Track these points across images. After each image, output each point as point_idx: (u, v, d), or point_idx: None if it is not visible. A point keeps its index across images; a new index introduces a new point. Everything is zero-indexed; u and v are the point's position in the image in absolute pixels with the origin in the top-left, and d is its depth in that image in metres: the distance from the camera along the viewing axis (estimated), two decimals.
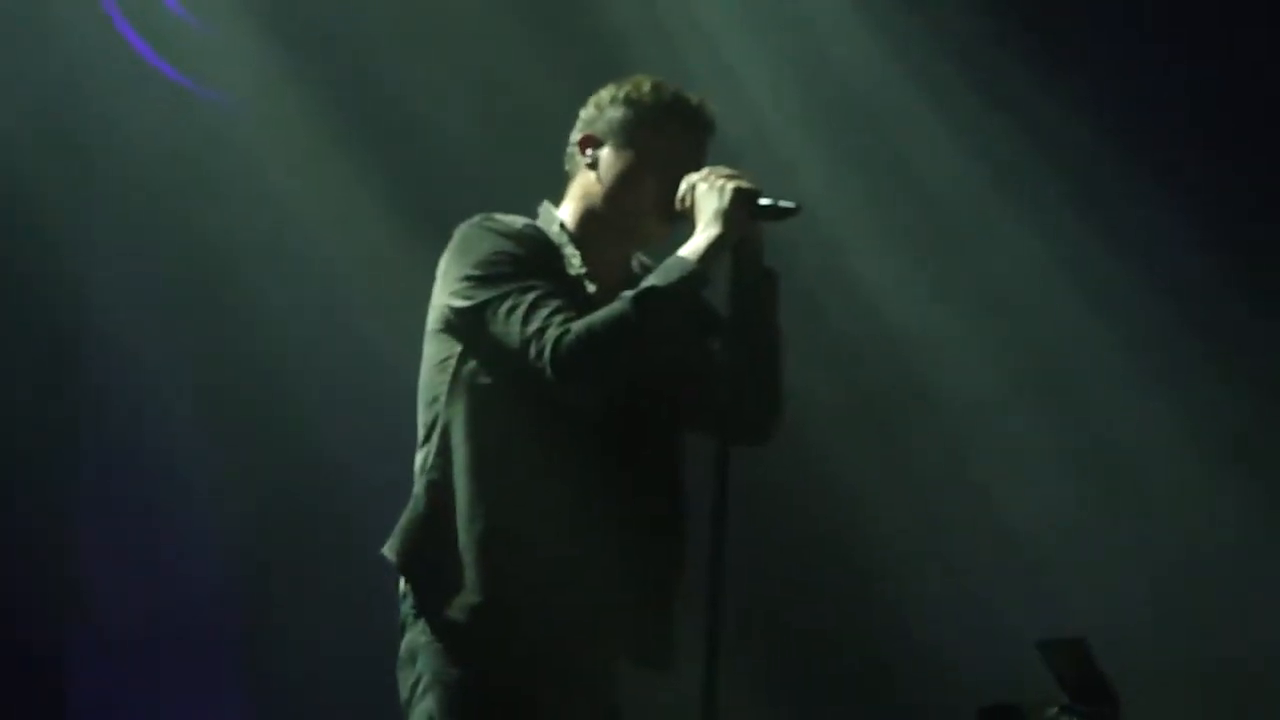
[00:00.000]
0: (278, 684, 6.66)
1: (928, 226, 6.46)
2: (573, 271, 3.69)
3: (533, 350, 3.51)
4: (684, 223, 3.69)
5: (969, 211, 6.42)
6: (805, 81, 6.47)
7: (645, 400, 3.68)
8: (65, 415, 6.65)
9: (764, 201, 3.60)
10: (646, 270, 3.78)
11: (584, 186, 3.77)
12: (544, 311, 3.53)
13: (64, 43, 6.42)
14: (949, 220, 6.45)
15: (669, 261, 3.59)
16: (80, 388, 6.69)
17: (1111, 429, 6.29)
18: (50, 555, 6.56)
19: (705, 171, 3.66)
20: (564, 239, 3.73)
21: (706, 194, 3.61)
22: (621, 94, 3.75)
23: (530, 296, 3.55)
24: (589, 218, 3.76)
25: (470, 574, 3.57)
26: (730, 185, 3.60)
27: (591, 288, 3.68)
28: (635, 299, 3.52)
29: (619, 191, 3.72)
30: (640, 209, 3.72)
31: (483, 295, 3.59)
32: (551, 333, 3.50)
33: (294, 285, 6.61)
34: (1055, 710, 4.32)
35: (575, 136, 3.79)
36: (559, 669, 3.63)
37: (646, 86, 3.75)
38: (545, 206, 3.81)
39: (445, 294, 3.66)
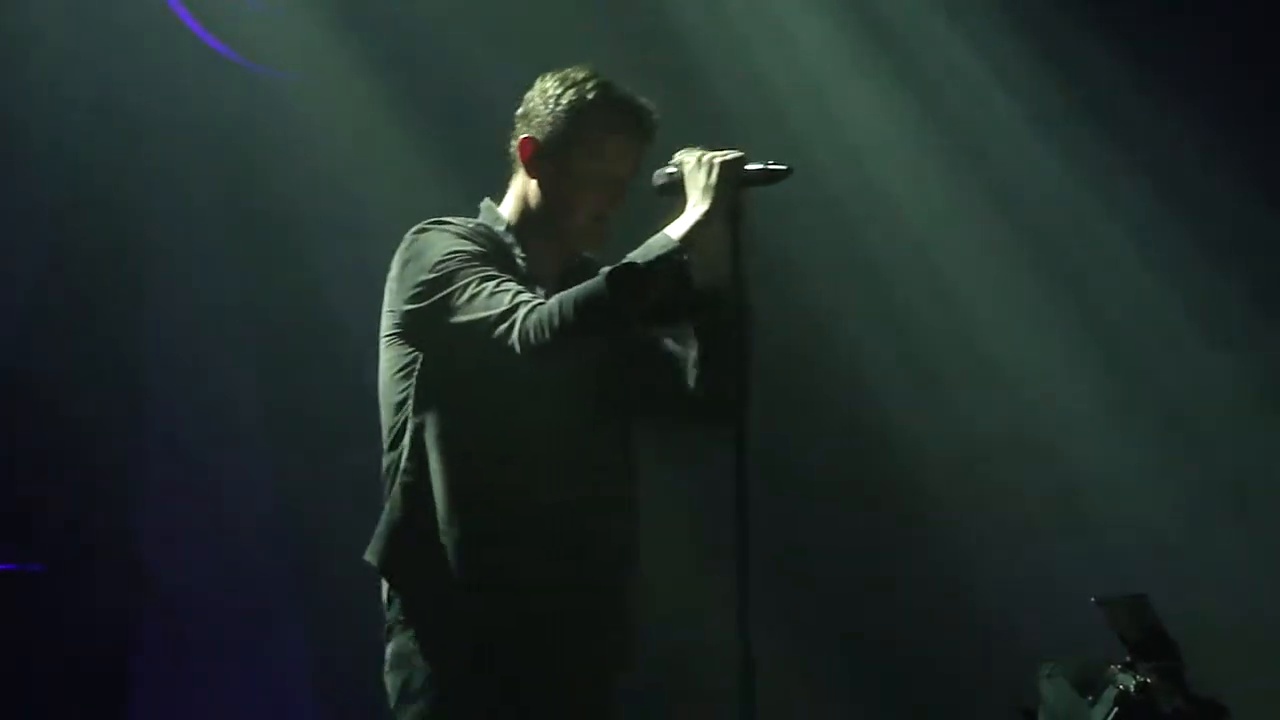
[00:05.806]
0: (337, 648, 6.73)
1: (989, 191, 6.48)
2: (522, 270, 3.67)
3: (501, 328, 3.47)
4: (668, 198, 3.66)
5: (1029, 180, 6.45)
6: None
7: (604, 390, 3.67)
8: (127, 376, 6.72)
9: (752, 166, 3.58)
10: (588, 262, 3.74)
11: (525, 187, 3.75)
12: (510, 292, 3.51)
13: (122, 28, 6.47)
14: (1007, 183, 6.47)
15: (652, 239, 3.54)
16: (141, 354, 6.77)
17: (1170, 386, 6.29)
18: (113, 523, 6.63)
19: (694, 153, 3.62)
20: (510, 238, 3.73)
21: (695, 171, 3.57)
22: (566, 100, 3.71)
23: (492, 283, 3.53)
24: (529, 218, 3.75)
25: (454, 575, 3.57)
26: (717, 159, 3.56)
27: (540, 290, 3.62)
28: (610, 274, 3.47)
29: (556, 206, 3.72)
30: (576, 223, 3.72)
31: (441, 291, 3.55)
32: (522, 310, 3.47)
33: (351, 254, 6.67)
34: (1118, 667, 4.30)
35: (518, 131, 3.76)
36: (547, 665, 3.61)
37: (591, 94, 3.70)
38: (487, 204, 3.80)
39: (401, 299, 3.62)
